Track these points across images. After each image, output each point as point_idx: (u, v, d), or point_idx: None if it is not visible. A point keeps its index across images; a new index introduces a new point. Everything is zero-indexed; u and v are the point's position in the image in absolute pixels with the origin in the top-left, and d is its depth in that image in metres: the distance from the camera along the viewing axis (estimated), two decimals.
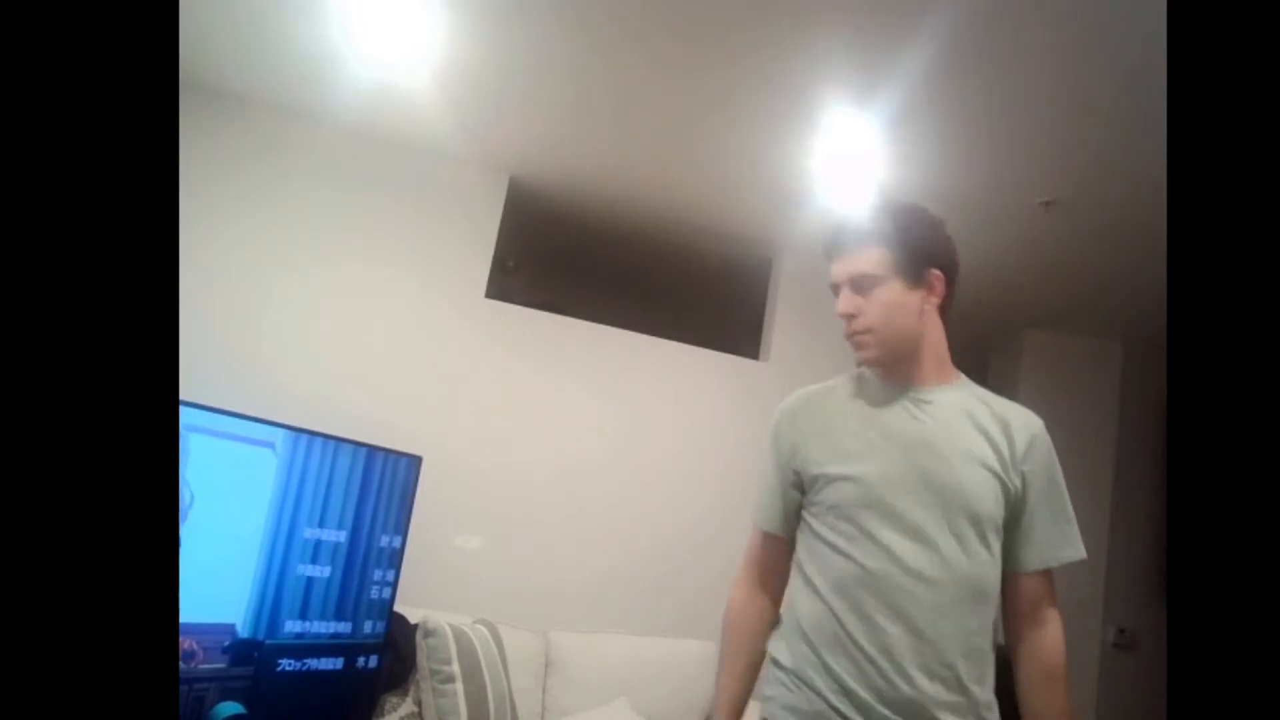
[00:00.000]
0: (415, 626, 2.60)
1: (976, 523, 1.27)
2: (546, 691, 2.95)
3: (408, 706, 2.52)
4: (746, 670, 1.41)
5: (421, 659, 2.52)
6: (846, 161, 2.85)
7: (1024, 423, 1.36)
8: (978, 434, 1.32)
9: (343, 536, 2.43)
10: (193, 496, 2.13)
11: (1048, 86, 2.33)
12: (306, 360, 3.12)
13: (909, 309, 1.34)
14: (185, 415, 2.07)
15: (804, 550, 1.38)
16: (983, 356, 4.49)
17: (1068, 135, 2.55)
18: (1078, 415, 3.99)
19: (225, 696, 1.96)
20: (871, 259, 1.33)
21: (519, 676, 2.78)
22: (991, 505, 1.29)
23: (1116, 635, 3.88)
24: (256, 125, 3.19)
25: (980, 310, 4.02)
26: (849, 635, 1.25)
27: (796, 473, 1.39)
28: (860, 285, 1.34)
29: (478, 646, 2.61)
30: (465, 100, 2.94)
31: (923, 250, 1.34)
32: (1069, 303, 3.80)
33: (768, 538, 1.45)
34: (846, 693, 1.22)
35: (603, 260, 4.24)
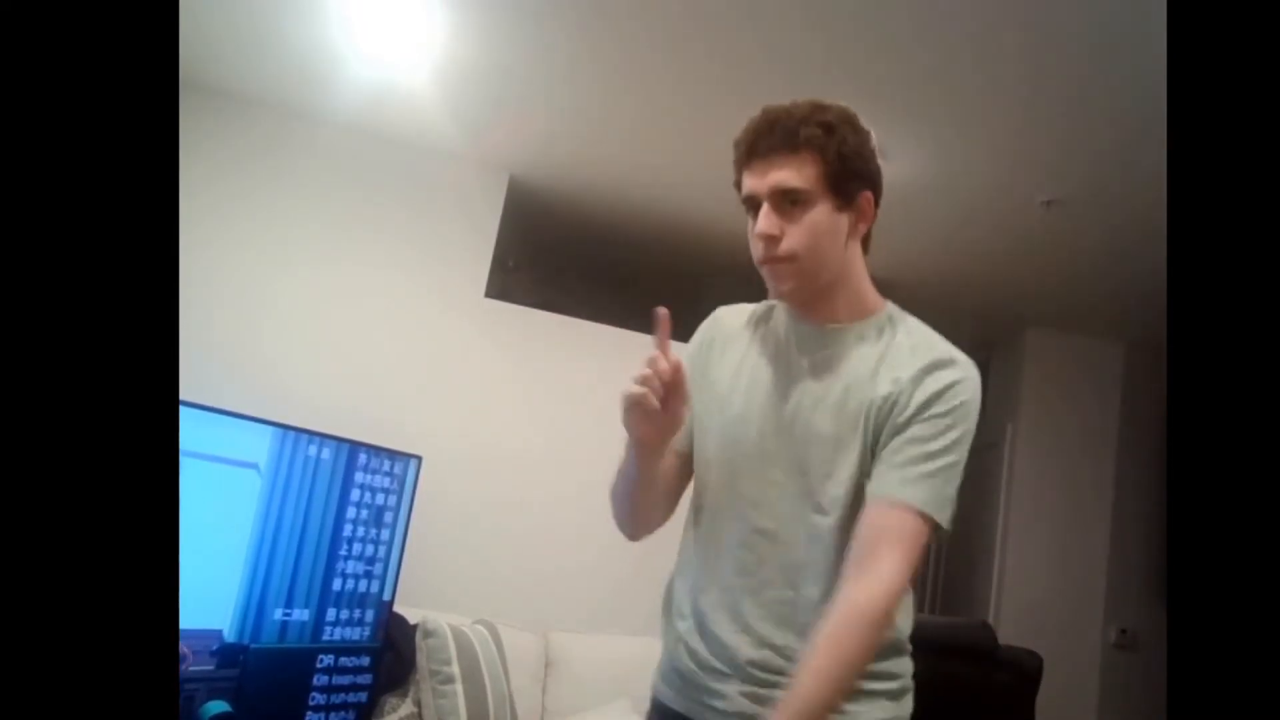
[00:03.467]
0: (415, 627, 2.60)
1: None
2: (546, 691, 2.95)
3: (407, 707, 2.52)
4: None
5: (421, 659, 2.52)
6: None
7: (930, 362, 1.13)
8: (869, 380, 1.14)
9: (325, 542, 2.43)
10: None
11: (1048, 86, 2.33)
12: (306, 360, 3.12)
13: (837, 235, 1.14)
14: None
15: None
16: (984, 356, 4.49)
17: (1068, 135, 2.55)
18: (1079, 415, 3.99)
19: (213, 696, 2.01)
20: (803, 171, 1.12)
21: (519, 677, 2.78)
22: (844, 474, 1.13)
23: (1117, 635, 3.88)
24: (256, 125, 3.19)
25: (981, 310, 4.02)
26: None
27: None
28: (784, 202, 1.13)
29: (477, 647, 2.61)
30: (465, 100, 2.94)
31: (859, 166, 1.14)
32: (1070, 302, 3.80)
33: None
34: None
35: (603, 260, 4.24)
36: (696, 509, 1.30)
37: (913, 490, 1.08)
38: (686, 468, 1.32)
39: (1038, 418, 4.00)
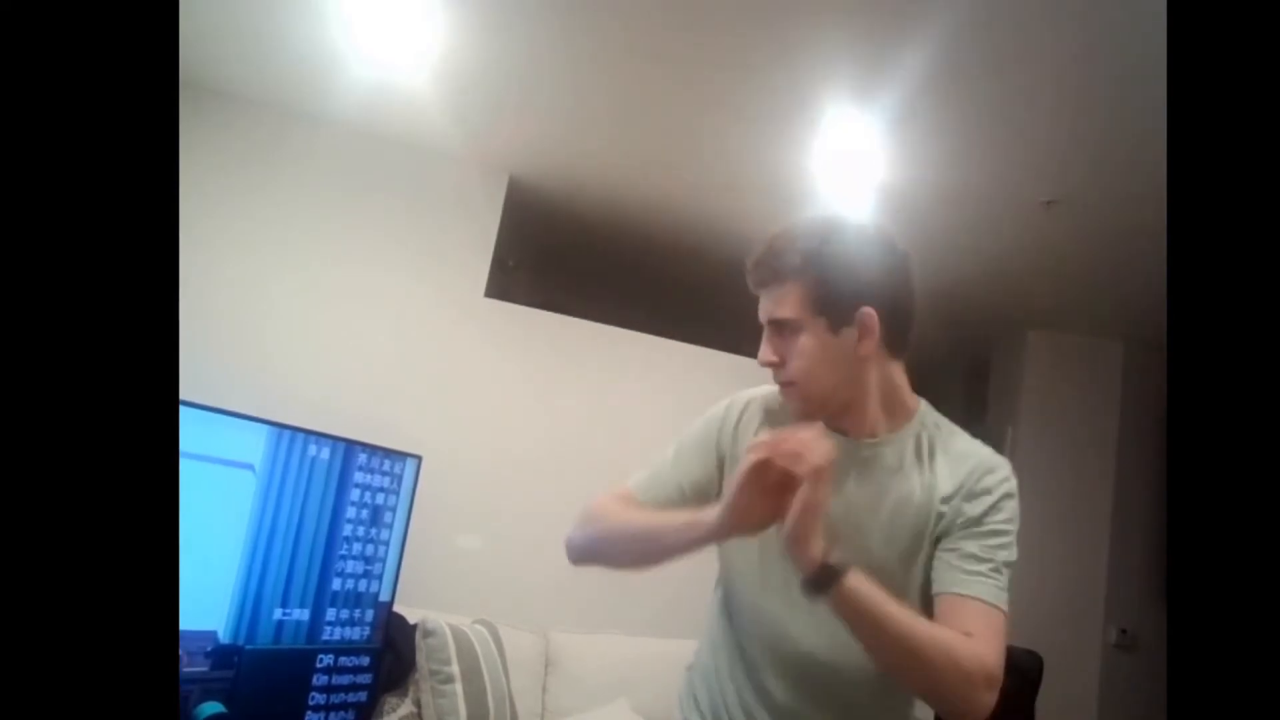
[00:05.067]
0: (415, 627, 2.60)
1: None
2: (546, 691, 2.95)
3: (407, 707, 2.52)
4: None
5: (421, 659, 2.52)
6: (847, 161, 2.85)
7: (973, 469, 1.14)
8: (913, 485, 1.14)
9: (323, 542, 2.43)
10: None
11: (1049, 86, 2.33)
12: (306, 359, 3.12)
13: (837, 356, 1.11)
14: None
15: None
16: (984, 356, 4.49)
17: (1069, 135, 2.55)
18: (1079, 415, 3.99)
19: (207, 697, 2.01)
20: (787, 300, 1.11)
21: (519, 676, 2.78)
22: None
23: (1117, 635, 3.88)
24: (256, 125, 3.19)
25: (982, 310, 4.02)
26: None
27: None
28: (779, 330, 1.13)
29: (477, 647, 2.61)
30: (465, 100, 2.94)
31: (849, 285, 1.10)
32: (1070, 302, 3.80)
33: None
34: None
35: (603, 260, 4.24)
36: (726, 610, 1.29)
37: (986, 589, 1.08)
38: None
39: (1038, 418, 3.99)
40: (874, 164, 2.83)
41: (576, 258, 4.27)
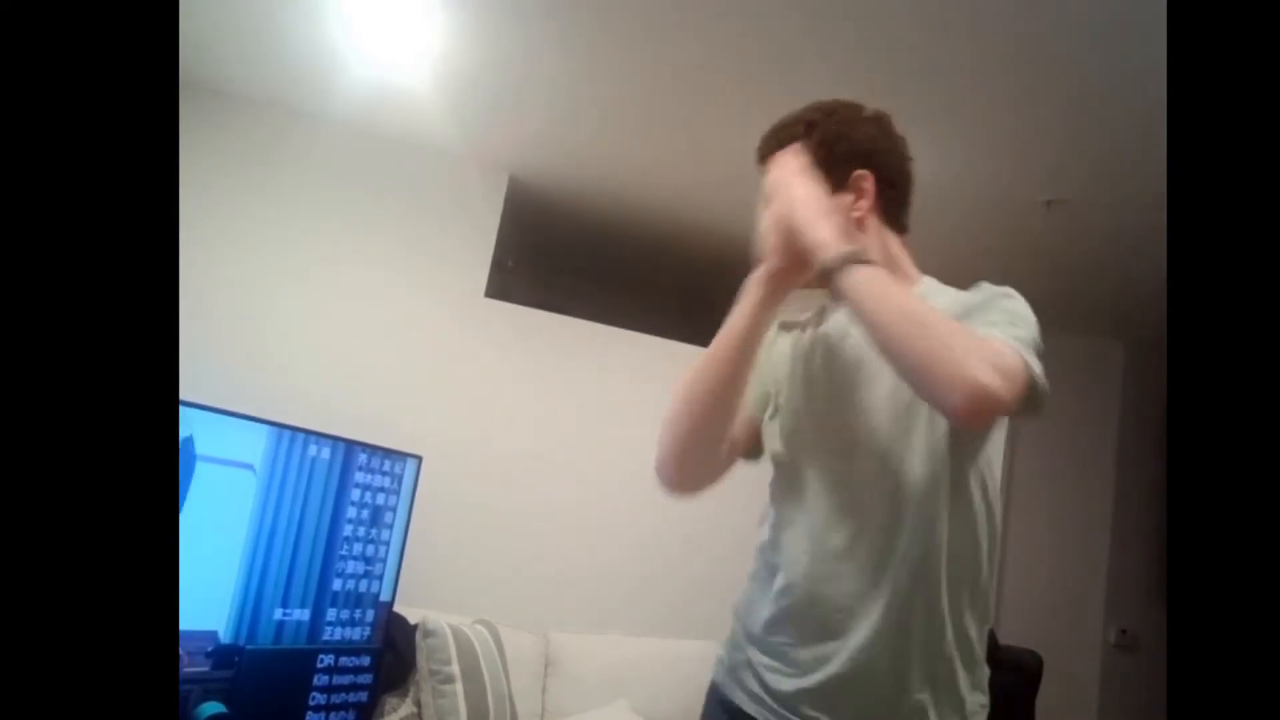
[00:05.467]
0: (415, 627, 2.60)
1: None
2: (546, 691, 2.95)
3: (408, 707, 2.52)
4: None
5: (421, 659, 2.52)
6: None
7: (965, 296, 1.15)
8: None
9: (324, 542, 2.43)
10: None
11: (1050, 86, 2.33)
12: (306, 360, 3.12)
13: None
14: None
15: None
16: None
17: (1069, 135, 2.55)
18: (1079, 415, 3.99)
19: (208, 697, 2.01)
20: (787, 164, 1.17)
21: (519, 676, 2.78)
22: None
23: (1117, 635, 3.88)
24: (256, 125, 3.19)
25: None
26: None
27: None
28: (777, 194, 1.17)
29: (477, 647, 2.61)
30: (465, 100, 2.94)
31: (845, 148, 1.18)
32: (1070, 302, 3.80)
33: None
34: None
35: (603, 260, 4.23)
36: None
37: (1002, 332, 1.01)
38: (745, 444, 1.25)
39: (1038, 418, 3.98)
40: None
41: (576, 258, 4.27)
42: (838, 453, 1.14)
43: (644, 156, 3.17)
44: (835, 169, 1.17)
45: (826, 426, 1.16)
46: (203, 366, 2.72)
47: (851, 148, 1.19)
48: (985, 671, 1.17)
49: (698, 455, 1.20)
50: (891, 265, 1.18)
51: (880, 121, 1.25)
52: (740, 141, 2.87)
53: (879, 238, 1.20)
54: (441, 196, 3.38)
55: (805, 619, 1.11)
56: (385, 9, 2.44)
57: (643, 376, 3.53)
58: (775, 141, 1.22)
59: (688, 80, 2.59)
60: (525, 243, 3.97)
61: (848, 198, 1.17)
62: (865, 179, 1.18)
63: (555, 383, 3.44)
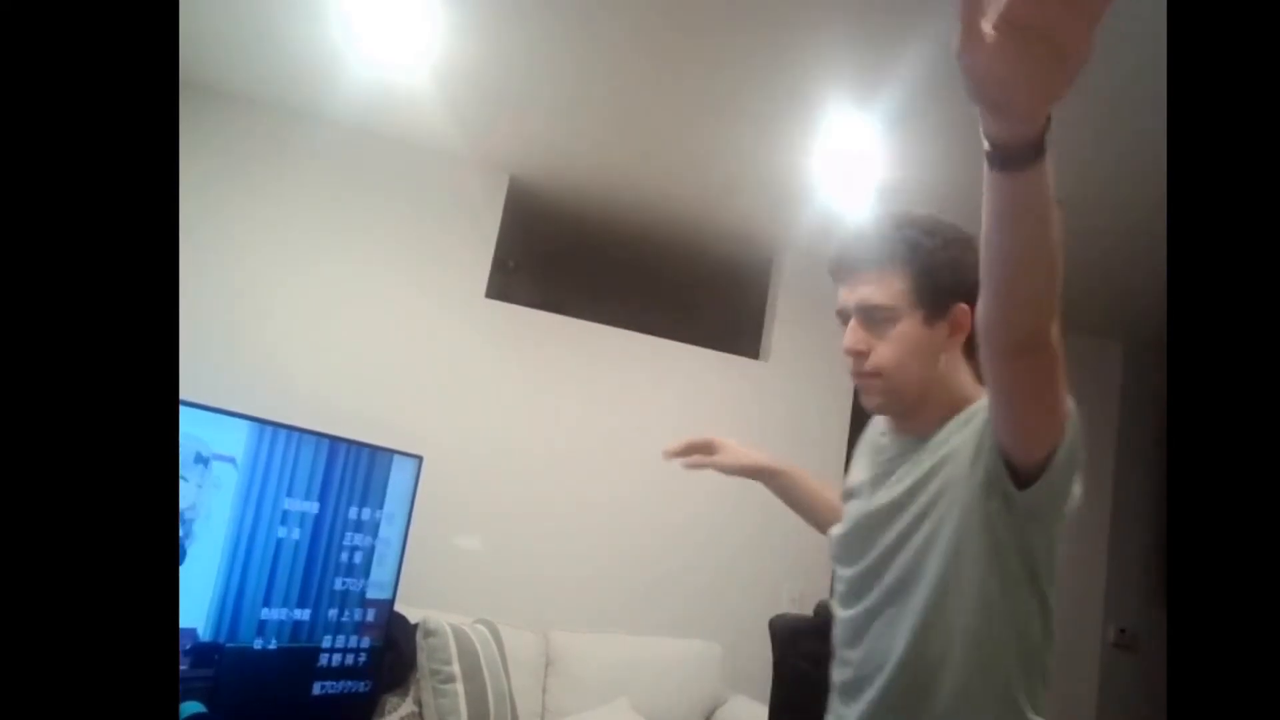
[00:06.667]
0: (415, 626, 2.60)
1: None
2: (546, 691, 2.95)
3: (408, 706, 2.52)
4: None
5: (422, 659, 2.52)
6: (846, 161, 2.85)
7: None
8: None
9: (322, 542, 2.41)
10: (195, 509, 2.13)
11: None
12: (306, 360, 3.12)
13: (928, 350, 1.11)
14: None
15: None
16: None
17: (1068, 135, 2.55)
18: (1079, 415, 3.98)
19: (187, 697, 1.98)
20: (887, 288, 1.10)
21: (519, 676, 2.78)
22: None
23: (1117, 635, 3.88)
24: (256, 125, 3.19)
25: None
26: None
27: None
28: (871, 318, 1.12)
29: (478, 646, 2.61)
30: (465, 100, 2.94)
31: (948, 279, 1.09)
32: (1069, 302, 3.76)
33: None
34: None
35: (603, 260, 4.24)
36: None
37: None
38: None
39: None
40: (874, 164, 2.83)
41: (576, 258, 4.27)
42: None
43: (645, 157, 3.17)
44: (936, 299, 1.10)
45: None
46: (203, 366, 2.72)
47: (954, 278, 1.10)
48: None
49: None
50: (959, 396, 1.12)
51: (971, 243, 1.08)
52: (740, 142, 2.88)
53: (955, 373, 1.14)
54: (442, 197, 3.38)
55: None
56: (385, 9, 2.44)
57: (643, 376, 3.54)
58: (866, 260, 1.13)
59: (688, 80, 2.59)
60: (526, 243, 3.98)
61: (942, 331, 1.11)
62: (964, 314, 1.10)
63: (555, 383, 3.45)
